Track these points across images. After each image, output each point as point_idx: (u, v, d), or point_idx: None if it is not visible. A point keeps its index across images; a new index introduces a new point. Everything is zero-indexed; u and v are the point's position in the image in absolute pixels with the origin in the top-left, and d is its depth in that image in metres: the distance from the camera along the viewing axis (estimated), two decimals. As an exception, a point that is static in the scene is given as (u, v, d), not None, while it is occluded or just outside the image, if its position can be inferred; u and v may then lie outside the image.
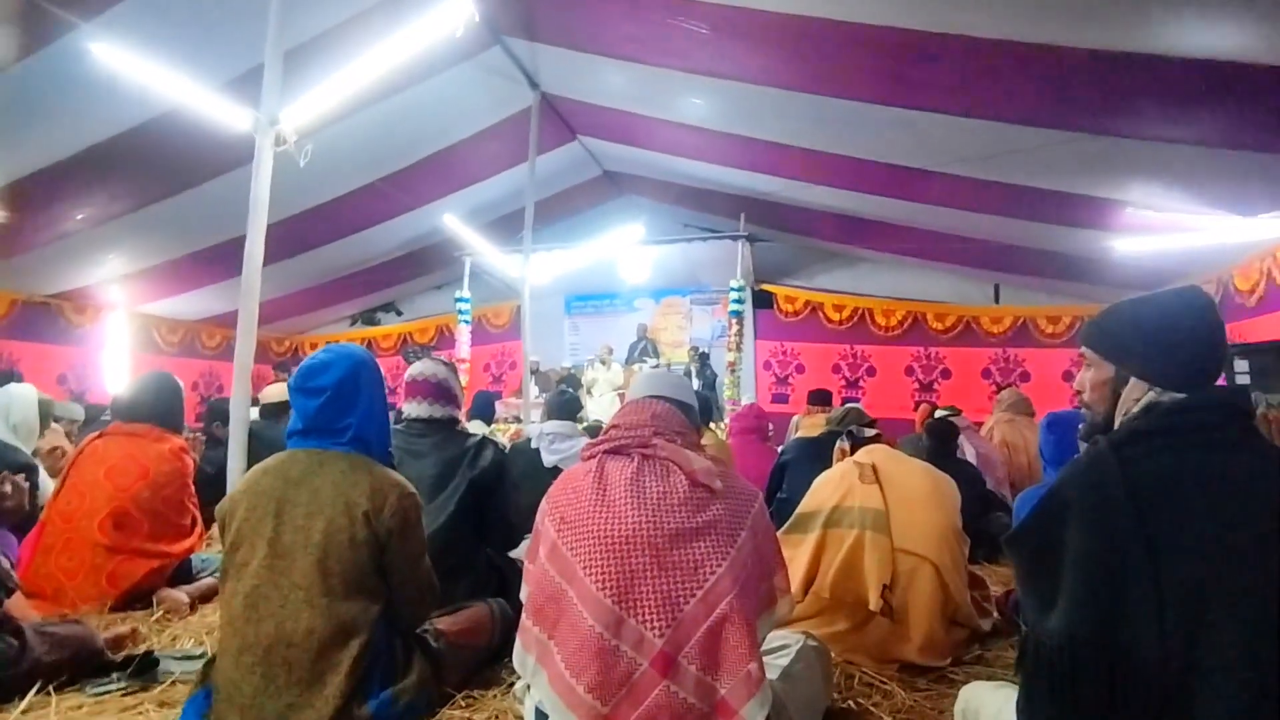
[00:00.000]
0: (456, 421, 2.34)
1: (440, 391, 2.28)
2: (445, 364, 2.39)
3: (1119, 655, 0.99)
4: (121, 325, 7.66)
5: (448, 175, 6.68)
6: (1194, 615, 0.96)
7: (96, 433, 2.72)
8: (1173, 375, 1.16)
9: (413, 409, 2.27)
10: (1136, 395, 1.18)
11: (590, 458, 1.45)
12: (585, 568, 1.30)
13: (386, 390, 1.85)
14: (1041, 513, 1.14)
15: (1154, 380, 1.17)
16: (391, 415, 2.20)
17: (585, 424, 6.45)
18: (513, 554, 2.36)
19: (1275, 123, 3.49)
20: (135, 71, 3.42)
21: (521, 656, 1.39)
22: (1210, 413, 1.08)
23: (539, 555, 1.41)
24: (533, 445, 3.46)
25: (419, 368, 2.31)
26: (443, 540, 2.08)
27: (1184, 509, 1.01)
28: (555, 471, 3.05)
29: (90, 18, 3.70)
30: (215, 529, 3.59)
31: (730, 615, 1.26)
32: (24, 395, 2.95)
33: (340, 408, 1.69)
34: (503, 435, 5.97)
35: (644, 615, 1.26)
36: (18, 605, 2.13)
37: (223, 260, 6.43)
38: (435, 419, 2.25)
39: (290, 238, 6.50)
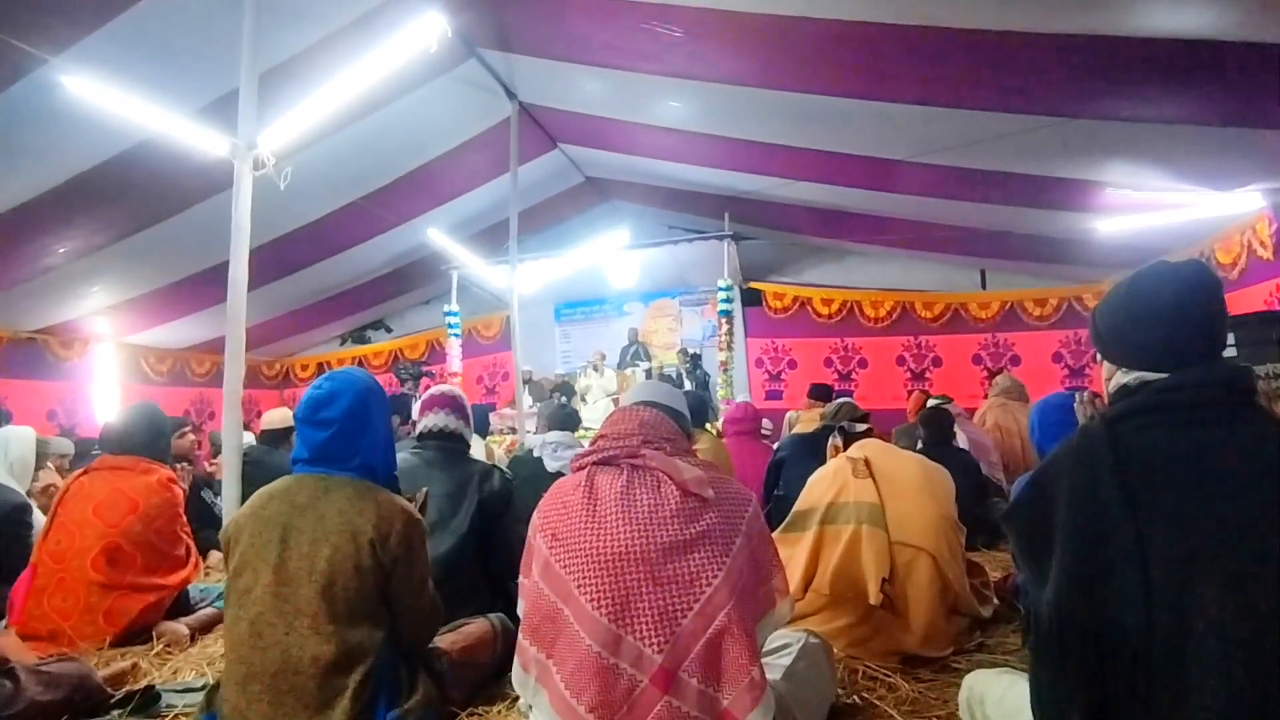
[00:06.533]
0: (467, 445, 2.42)
1: (456, 405, 2.40)
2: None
3: (1105, 625, 1.00)
4: (109, 357, 7.61)
5: (430, 190, 6.66)
6: (1180, 585, 0.96)
7: (81, 469, 2.69)
8: (1133, 355, 1.15)
9: (429, 420, 2.37)
10: (1107, 377, 1.19)
11: (580, 469, 1.44)
12: (580, 586, 1.28)
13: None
14: (1034, 487, 1.15)
15: (1117, 362, 1.18)
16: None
17: (582, 432, 6.43)
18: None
19: (1245, 98, 3.52)
20: (109, 103, 3.39)
21: (521, 677, 1.38)
22: (1200, 390, 1.07)
23: (532, 572, 1.39)
24: (535, 454, 3.48)
25: (438, 387, 2.51)
26: (454, 561, 2.09)
27: (1171, 483, 1.01)
28: (559, 476, 3.11)
29: (58, 52, 3.68)
30: (213, 557, 3.60)
31: (729, 626, 1.24)
32: (22, 435, 3.00)
33: (349, 438, 1.68)
34: (499, 446, 5.94)
35: (641, 632, 1.24)
36: (12, 645, 2.11)
37: (208, 287, 6.40)
38: (449, 431, 2.35)
39: (275, 260, 6.48)
